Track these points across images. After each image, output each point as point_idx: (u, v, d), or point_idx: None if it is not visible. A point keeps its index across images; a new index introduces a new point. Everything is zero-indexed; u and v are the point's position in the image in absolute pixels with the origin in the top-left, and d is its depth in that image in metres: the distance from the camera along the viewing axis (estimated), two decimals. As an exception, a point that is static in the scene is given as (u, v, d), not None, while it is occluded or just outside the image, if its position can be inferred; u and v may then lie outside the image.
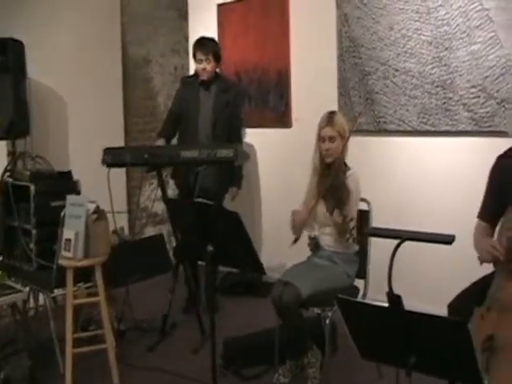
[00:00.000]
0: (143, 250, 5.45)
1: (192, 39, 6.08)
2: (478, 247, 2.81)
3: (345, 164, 3.51)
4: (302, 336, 3.40)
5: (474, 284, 2.88)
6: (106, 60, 5.53)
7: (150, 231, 5.93)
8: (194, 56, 4.67)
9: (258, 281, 5.10)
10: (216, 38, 5.85)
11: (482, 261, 2.69)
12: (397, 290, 2.02)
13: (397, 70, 4.55)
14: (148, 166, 4.32)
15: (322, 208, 3.48)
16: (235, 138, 4.72)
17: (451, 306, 2.80)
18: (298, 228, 3.43)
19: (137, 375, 3.72)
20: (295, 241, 3.38)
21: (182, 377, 3.67)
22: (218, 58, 4.67)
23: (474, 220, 3.00)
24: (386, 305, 2.01)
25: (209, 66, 4.61)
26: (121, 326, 4.20)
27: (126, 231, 5.57)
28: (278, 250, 5.00)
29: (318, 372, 3.42)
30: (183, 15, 6.26)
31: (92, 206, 3.49)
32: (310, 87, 5.18)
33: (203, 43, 4.66)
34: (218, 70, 4.79)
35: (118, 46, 5.67)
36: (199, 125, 4.66)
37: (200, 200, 3.34)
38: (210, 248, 2.92)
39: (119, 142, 5.52)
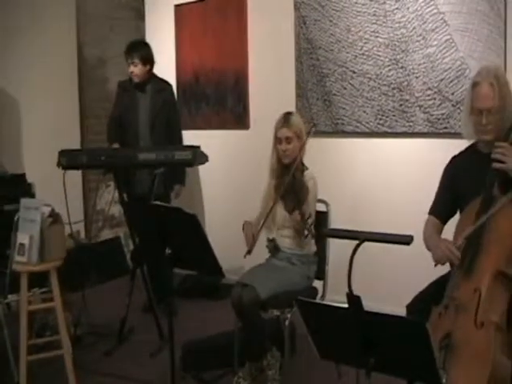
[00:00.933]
0: (100, 253, 5.38)
1: (149, 40, 6.04)
2: (430, 245, 2.83)
3: (302, 164, 3.51)
4: (262, 338, 3.38)
5: (431, 284, 2.92)
6: (61, 60, 5.44)
7: (106, 234, 5.85)
8: (126, 59, 4.70)
9: (216, 283, 5.07)
10: (173, 39, 5.85)
11: (436, 261, 2.72)
12: (355, 291, 2.02)
13: (354, 72, 4.58)
14: (105, 168, 4.27)
15: (280, 209, 3.48)
16: (176, 137, 4.78)
17: (409, 307, 2.83)
18: (249, 241, 3.40)
19: (94, 381, 3.66)
20: (248, 252, 3.33)
21: (140, 382, 3.63)
22: (145, 61, 4.66)
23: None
24: (346, 306, 2.00)
25: (136, 69, 4.63)
26: (77, 331, 4.13)
27: (82, 235, 5.49)
28: (237, 252, 5.00)
29: (278, 373, 3.41)
30: (140, 15, 6.20)
31: (47, 210, 3.42)
32: (267, 89, 5.19)
33: (130, 47, 4.68)
34: (152, 71, 4.78)
35: (73, 46, 5.59)
36: (139, 127, 4.69)
37: (158, 202, 3.30)
38: (168, 251, 2.90)
39: (75, 144, 5.44)
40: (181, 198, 4.87)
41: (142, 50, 4.67)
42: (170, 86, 4.85)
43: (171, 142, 4.67)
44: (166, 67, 5.68)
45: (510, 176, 2.63)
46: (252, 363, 3.43)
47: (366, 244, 2.45)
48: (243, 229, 3.47)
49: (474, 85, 2.78)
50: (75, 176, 5.24)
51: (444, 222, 2.96)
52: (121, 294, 4.46)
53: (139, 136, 4.67)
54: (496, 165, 2.63)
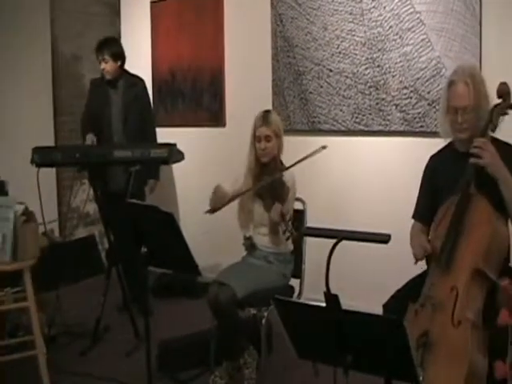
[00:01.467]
0: (74, 252, 5.32)
1: (124, 36, 6.00)
2: (411, 244, 2.87)
3: (281, 162, 3.51)
4: (238, 337, 3.37)
5: (408, 283, 2.93)
6: (35, 56, 5.37)
7: (81, 232, 5.78)
8: (98, 58, 4.70)
9: (193, 282, 5.04)
10: (149, 36, 5.80)
11: (415, 258, 2.74)
12: (332, 289, 2.01)
13: (331, 71, 4.58)
14: (79, 166, 4.22)
15: (258, 208, 3.47)
16: (149, 132, 4.76)
17: (386, 306, 2.84)
18: (214, 200, 3.36)
19: (69, 381, 3.61)
20: (211, 211, 3.28)
21: (116, 381, 3.59)
22: (116, 57, 4.64)
23: (407, 218, 3.05)
24: (324, 304, 2.00)
25: (107, 66, 4.62)
26: (51, 331, 4.08)
27: (57, 233, 5.42)
28: (213, 250, 4.99)
29: (255, 372, 3.40)
30: (115, 11, 6.14)
31: (20, 208, 3.37)
32: (244, 86, 5.17)
33: (100, 44, 4.67)
34: (123, 67, 4.75)
35: (47, 42, 5.51)
36: (112, 122, 4.67)
37: (134, 201, 3.27)
38: (143, 249, 2.87)
39: (49, 141, 5.37)
40: (156, 195, 4.84)
41: (112, 47, 4.65)
42: (141, 81, 4.82)
43: (145, 136, 4.65)
44: (141, 64, 5.64)
45: (487, 171, 2.64)
46: (229, 362, 3.41)
47: (343, 242, 2.45)
48: (214, 191, 3.42)
49: (450, 84, 2.80)
50: (49, 173, 5.17)
51: (429, 224, 2.93)
52: (96, 293, 4.40)
53: (112, 131, 4.65)
54: (473, 160, 2.65)
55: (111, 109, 4.68)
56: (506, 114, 2.76)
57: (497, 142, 2.75)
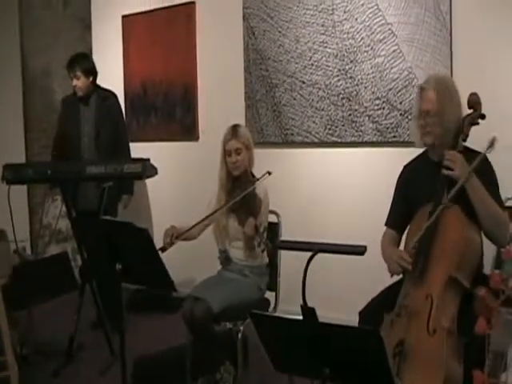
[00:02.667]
0: (47, 269, 5.23)
1: (96, 50, 5.96)
2: (385, 258, 2.86)
3: (252, 175, 3.50)
4: (214, 351, 3.33)
5: (383, 291, 2.92)
6: (4, 71, 5.31)
7: (53, 249, 5.70)
8: (69, 74, 4.65)
9: (168, 297, 4.99)
10: (121, 50, 5.77)
11: (391, 273, 2.76)
12: (308, 301, 2.00)
13: (303, 83, 4.59)
14: (51, 183, 4.16)
15: (233, 223, 3.46)
16: (122, 147, 4.73)
17: (362, 314, 2.84)
18: (165, 239, 3.29)
19: (42, 401, 3.55)
20: (161, 249, 3.15)
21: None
22: (87, 73, 4.61)
23: (381, 229, 3.05)
24: (300, 318, 1.98)
25: (79, 82, 4.59)
26: (23, 351, 4.00)
27: (29, 250, 5.34)
28: (188, 264, 4.94)
29: None
30: (86, 26, 6.10)
31: (-10, 226, 3.31)
32: (217, 100, 5.16)
33: (71, 60, 4.63)
34: (95, 82, 4.72)
35: (17, 57, 5.46)
36: (81, 140, 4.64)
37: (107, 217, 3.23)
38: (118, 266, 2.83)
39: (20, 158, 5.31)
40: (130, 210, 4.80)
41: (83, 63, 4.62)
42: (114, 95, 4.80)
43: (118, 151, 4.62)
44: (113, 78, 5.61)
45: (458, 183, 2.66)
46: (205, 377, 3.37)
47: (320, 255, 2.44)
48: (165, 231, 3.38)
49: (421, 89, 2.86)
50: (20, 190, 5.10)
51: (401, 232, 2.96)
52: (69, 310, 4.34)
53: (81, 149, 4.61)
54: (445, 171, 2.68)
55: (81, 126, 4.64)
56: (476, 123, 2.79)
57: (469, 152, 2.77)
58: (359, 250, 2.20)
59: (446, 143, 2.78)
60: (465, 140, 2.78)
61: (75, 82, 4.58)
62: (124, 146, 4.75)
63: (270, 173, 3.35)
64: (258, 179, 3.41)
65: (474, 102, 2.79)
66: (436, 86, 2.79)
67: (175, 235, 3.31)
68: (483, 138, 2.92)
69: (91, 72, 4.63)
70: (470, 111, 2.80)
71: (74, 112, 4.66)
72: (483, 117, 2.79)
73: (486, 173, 2.73)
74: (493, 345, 1.76)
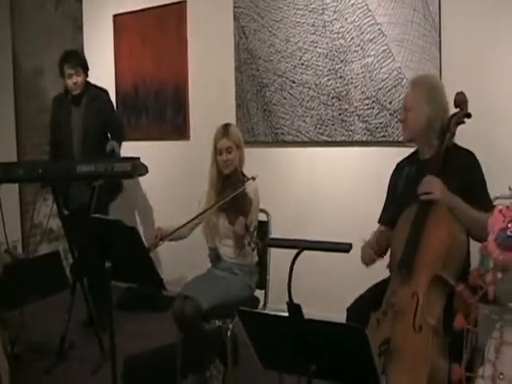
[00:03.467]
0: (38, 268, 5.23)
1: (87, 50, 5.96)
2: (362, 248, 2.91)
3: (243, 174, 3.52)
4: (204, 350, 3.35)
5: (371, 288, 2.95)
6: (-4, 71, 5.32)
7: (45, 248, 5.70)
8: (62, 72, 4.54)
9: (158, 295, 5.00)
10: (112, 50, 5.78)
11: (363, 262, 2.85)
12: (297, 299, 2.01)
13: (294, 82, 4.61)
14: (42, 181, 4.17)
15: (223, 221, 3.47)
16: (116, 134, 4.67)
17: (350, 310, 2.87)
18: (149, 240, 3.33)
19: (33, 400, 3.56)
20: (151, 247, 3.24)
21: (81, 398, 3.55)
22: (86, 69, 4.59)
23: (371, 227, 3.07)
24: (286, 314, 2.00)
25: (80, 79, 4.53)
26: (15, 350, 4.01)
27: (20, 249, 5.34)
28: (178, 263, 4.96)
29: None
30: (78, 25, 6.10)
31: (-19, 224, 3.32)
32: (208, 99, 5.18)
33: (70, 56, 4.56)
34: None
35: (8, 57, 5.45)
36: (73, 143, 4.59)
37: (97, 215, 3.24)
38: (108, 264, 2.84)
39: (11, 157, 5.30)
40: (120, 209, 4.81)
41: (82, 59, 4.60)
42: (105, 92, 4.74)
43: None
44: (104, 78, 5.60)
45: (448, 183, 2.69)
46: (195, 375, 3.39)
47: (308, 253, 2.45)
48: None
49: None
50: (12, 190, 5.11)
51: (392, 228, 2.95)
52: (60, 309, 4.36)
53: (73, 150, 4.58)
54: (424, 196, 2.69)
55: (73, 130, 4.59)
56: (462, 122, 2.82)
57: (457, 149, 2.83)
58: (344, 248, 2.22)
59: (430, 142, 2.83)
60: (451, 139, 2.81)
61: (75, 78, 4.50)
62: (118, 134, 4.69)
63: (254, 178, 3.39)
64: (247, 180, 3.43)
65: (460, 100, 2.82)
66: (417, 84, 2.88)
67: (159, 237, 3.33)
68: (470, 137, 2.99)
69: (87, 69, 4.60)
70: (457, 110, 2.83)
71: (65, 114, 4.62)
72: (469, 116, 2.83)
73: (473, 171, 2.77)
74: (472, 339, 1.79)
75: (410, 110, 2.85)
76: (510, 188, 1.95)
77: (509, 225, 1.76)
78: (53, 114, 4.77)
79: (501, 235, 1.78)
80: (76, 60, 4.53)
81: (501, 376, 1.86)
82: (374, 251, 2.85)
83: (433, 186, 2.67)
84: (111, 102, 4.84)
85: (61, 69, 4.54)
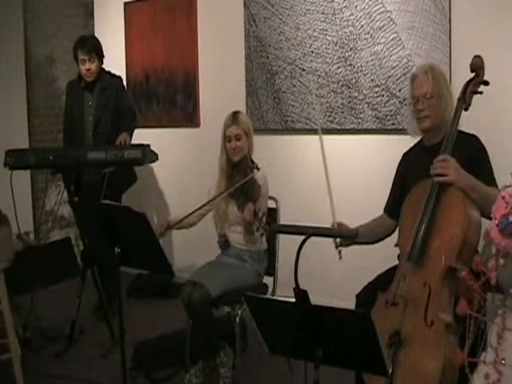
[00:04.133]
0: (49, 254, 5.28)
1: (98, 37, 5.96)
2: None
3: (252, 161, 3.53)
4: (213, 336, 3.38)
5: (380, 275, 2.94)
6: (8, 58, 5.33)
7: (56, 235, 5.75)
8: (76, 57, 4.48)
9: (168, 282, 5.04)
10: (123, 38, 5.79)
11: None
12: (306, 287, 2.02)
13: (303, 70, 4.61)
14: (53, 168, 4.20)
15: (232, 207, 3.49)
16: (125, 121, 4.60)
17: (359, 296, 2.87)
18: (157, 229, 3.34)
19: (44, 384, 3.60)
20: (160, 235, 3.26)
21: (91, 383, 3.58)
22: (101, 56, 4.53)
23: (378, 214, 3.09)
24: (293, 300, 2.02)
25: (93, 66, 4.47)
26: (26, 334, 4.06)
27: (32, 236, 5.39)
28: (188, 250, 5.00)
29: (230, 371, 3.40)
30: (89, 13, 6.12)
31: (-8, 211, 3.35)
32: (218, 87, 5.19)
33: (84, 42, 4.48)
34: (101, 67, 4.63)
35: (20, 44, 5.48)
36: (85, 130, 4.58)
37: (107, 201, 3.27)
38: (117, 250, 2.87)
39: (23, 144, 5.34)
40: (130, 196, 4.83)
41: (97, 45, 4.54)
42: (117, 79, 4.69)
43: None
44: (115, 66, 5.60)
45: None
46: (204, 361, 3.42)
47: (317, 240, 2.46)
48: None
49: (413, 78, 2.89)
50: (23, 176, 5.14)
51: (395, 217, 2.93)
52: (71, 295, 4.40)
53: (85, 139, 4.58)
54: (439, 179, 2.57)
55: (86, 118, 4.58)
56: (478, 92, 2.72)
57: (463, 135, 2.78)
58: (350, 234, 2.23)
59: (440, 129, 2.80)
60: (467, 109, 2.71)
61: (89, 65, 4.44)
62: (126, 120, 4.61)
63: (258, 168, 3.43)
64: (256, 167, 3.45)
65: (477, 65, 2.71)
66: (428, 70, 2.81)
67: (165, 226, 3.38)
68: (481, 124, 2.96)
69: (103, 55, 4.56)
70: (472, 75, 2.73)
71: (78, 100, 4.60)
72: (487, 83, 2.72)
73: (478, 152, 2.75)
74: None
75: (433, 97, 2.75)
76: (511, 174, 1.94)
77: (511, 211, 1.76)
78: (66, 100, 4.76)
79: (503, 221, 1.78)
80: (90, 46, 4.46)
81: (503, 361, 1.87)
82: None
83: (447, 167, 2.55)
84: (124, 88, 4.80)
85: (75, 54, 4.48)
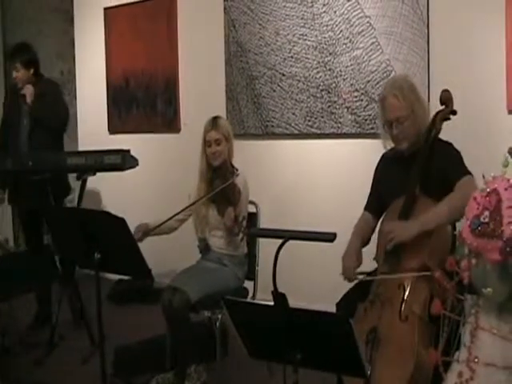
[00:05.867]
0: (29, 261, 5.24)
1: (78, 43, 5.96)
2: (343, 258, 2.89)
3: (232, 166, 3.54)
4: (189, 343, 3.36)
5: (360, 282, 2.96)
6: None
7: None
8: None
9: (148, 287, 5.03)
10: (103, 43, 5.77)
11: (345, 277, 2.85)
12: (286, 291, 2.03)
13: (283, 75, 4.63)
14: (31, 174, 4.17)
15: (213, 212, 3.50)
16: (56, 143, 4.48)
17: (339, 305, 2.88)
18: (136, 235, 3.31)
19: (24, 391, 3.57)
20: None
21: (71, 389, 3.57)
22: (28, 64, 4.37)
23: (357, 218, 3.10)
24: (271, 303, 2.02)
25: (19, 74, 4.36)
26: (5, 342, 4.02)
27: (11, 242, 5.35)
28: (168, 254, 4.98)
29: None
30: (69, 18, 6.09)
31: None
32: (198, 92, 5.19)
33: (12, 51, 4.46)
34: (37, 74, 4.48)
35: (-1, 51, 5.46)
36: (20, 137, 4.42)
37: (84, 208, 3.26)
38: (96, 255, 2.86)
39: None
40: (109, 201, 4.81)
41: (22, 54, 4.40)
42: (53, 86, 4.59)
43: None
44: (95, 71, 5.62)
45: (432, 176, 2.73)
46: (176, 369, 3.40)
47: (296, 244, 2.46)
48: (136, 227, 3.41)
49: (381, 99, 2.90)
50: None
51: (377, 216, 3.02)
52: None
53: (20, 145, 4.42)
54: (390, 245, 2.66)
55: (20, 123, 4.44)
56: (448, 119, 2.86)
57: (439, 142, 2.85)
58: (328, 237, 2.24)
59: (416, 140, 2.84)
60: (437, 135, 2.84)
61: (14, 73, 4.38)
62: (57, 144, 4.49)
63: (237, 174, 3.44)
64: (236, 171, 3.46)
65: (446, 98, 2.85)
66: (397, 92, 2.80)
67: (142, 231, 3.37)
68: (458, 130, 3.01)
69: (31, 63, 4.41)
70: (442, 107, 2.86)
71: (15, 105, 4.46)
72: (455, 113, 2.86)
73: (449, 153, 2.81)
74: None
75: (404, 120, 2.78)
76: (483, 176, 1.97)
77: (482, 212, 1.79)
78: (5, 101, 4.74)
79: (474, 222, 1.81)
80: (14, 55, 4.41)
81: (476, 360, 1.91)
82: (356, 260, 2.85)
83: (390, 233, 2.66)
84: (57, 96, 4.58)
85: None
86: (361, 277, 2.82)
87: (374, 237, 2.97)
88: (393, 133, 2.82)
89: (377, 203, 3.03)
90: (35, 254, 4.46)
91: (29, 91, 4.27)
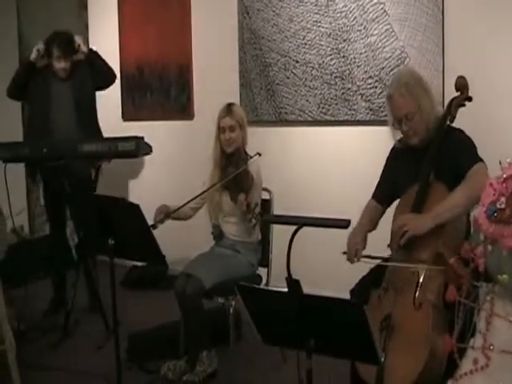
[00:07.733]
0: (44, 248, 5.29)
1: (92, 28, 5.97)
2: (347, 243, 2.88)
3: (245, 153, 3.55)
4: (202, 329, 3.37)
5: (373, 269, 2.96)
6: (2, 52, 5.32)
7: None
8: (50, 52, 4.33)
9: (162, 274, 5.06)
10: (116, 29, 5.78)
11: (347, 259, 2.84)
12: (301, 277, 2.03)
13: (297, 62, 4.61)
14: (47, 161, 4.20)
15: (226, 198, 3.51)
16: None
17: (353, 292, 2.89)
18: (156, 216, 3.37)
19: (39, 376, 3.58)
20: (152, 226, 3.09)
21: (86, 374, 3.59)
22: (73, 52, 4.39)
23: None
24: (285, 290, 2.03)
25: (68, 64, 4.35)
26: (21, 326, 4.06)
27: (26, 229, 5.39)
28: (182, 241, 5.00)
29: (205, 373, 3.35)
30: (83, 4, 6.09)
31: (-15, 204, 3.36)
32: (211, 79, 5.18)
33: (58, 39, 4.35)
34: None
35: (14, 37, 5.47)
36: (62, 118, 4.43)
37: (101, 194, 3.28)
38: (111, 241, 2.88)
39: (17, 137, 5.34)
40: (124, 188, 4.83)
41: (71, 42, 4.40)
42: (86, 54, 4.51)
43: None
44: (109, 58, 5.60)
45: (445, 163, 2.72)
46: (188, 355, 3.42)
47: (310, 231, 2.46)
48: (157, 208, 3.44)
49: (388, 98, 2.90)
50: (18, 170, 5.13)
51: (385, 205, 3.03)
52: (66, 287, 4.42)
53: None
54: (404, 239, 2.65)
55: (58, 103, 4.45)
56: (463, 105, 2.86)
57: (451, 129, 2.84)
58: (343, 224, 2.25)
59: (426, 135, 2.84)
60: (452, 121, 2.83)
61: (63, 64, 4.33)
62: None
63: (259, 154, 3.41)
64: (250, 158, 3.46)
65: (462, 85, 2.85)
66: (403, 89, 2.79)
67: (165, 213, 3.37)
68: (470, 118, 2.99)
69: (76, 50, 4.42)
70: (458, 94, 2.86)
71: (45, 88, 4.42)
72: (470, 99, 2.85)
73: (461, 140, 2.80)
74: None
75: (412, 116, 2.78)
76: (500, 162, 1.96)
77: (498, 198, 1.79)
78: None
79: (491, 208, 1.80)
80: (64, 44, 4.36)
81: (491, 347, 1.91)
82: (361, 241, 2.85)
83: (403, 226, 2.65)
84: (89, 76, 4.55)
85: (49, 48, 4.34)
86: (365, 260, 2.80)
87: (388, 226, 2.96)
88: (403, 129, 2.84)
89: (385, 193, 3.03)
90: (58, 242, 4.47)
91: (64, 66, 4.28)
